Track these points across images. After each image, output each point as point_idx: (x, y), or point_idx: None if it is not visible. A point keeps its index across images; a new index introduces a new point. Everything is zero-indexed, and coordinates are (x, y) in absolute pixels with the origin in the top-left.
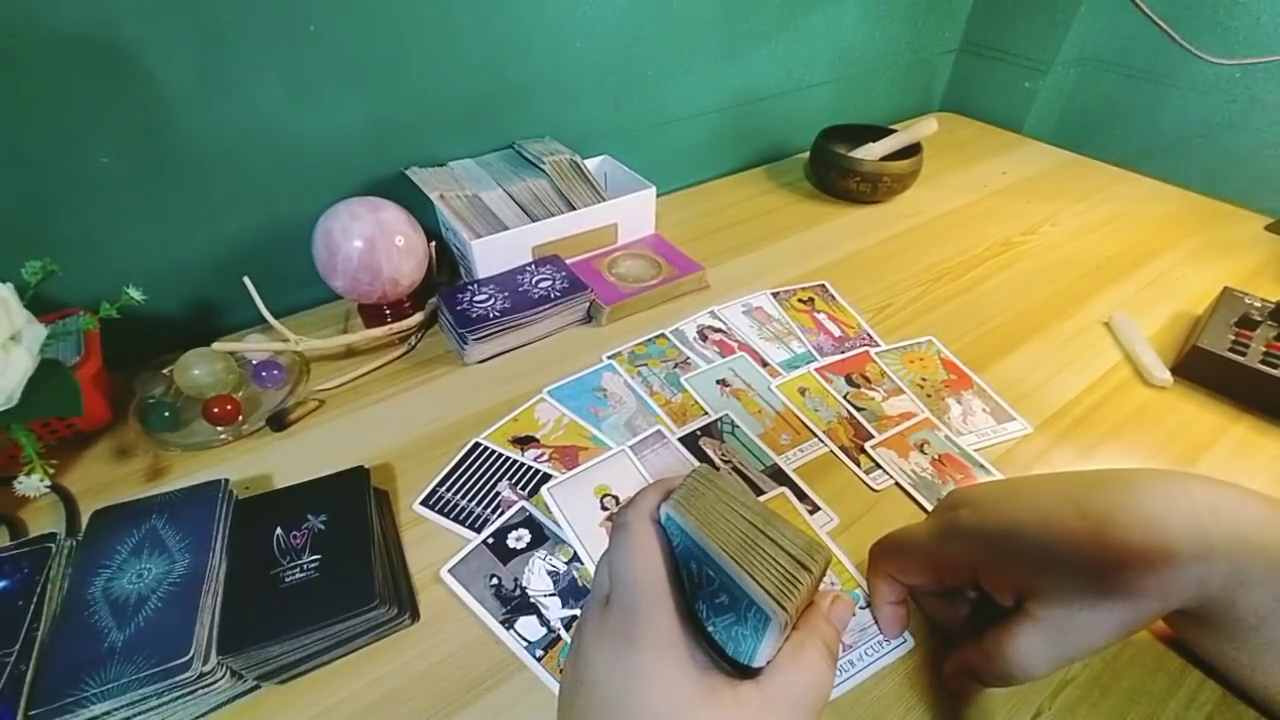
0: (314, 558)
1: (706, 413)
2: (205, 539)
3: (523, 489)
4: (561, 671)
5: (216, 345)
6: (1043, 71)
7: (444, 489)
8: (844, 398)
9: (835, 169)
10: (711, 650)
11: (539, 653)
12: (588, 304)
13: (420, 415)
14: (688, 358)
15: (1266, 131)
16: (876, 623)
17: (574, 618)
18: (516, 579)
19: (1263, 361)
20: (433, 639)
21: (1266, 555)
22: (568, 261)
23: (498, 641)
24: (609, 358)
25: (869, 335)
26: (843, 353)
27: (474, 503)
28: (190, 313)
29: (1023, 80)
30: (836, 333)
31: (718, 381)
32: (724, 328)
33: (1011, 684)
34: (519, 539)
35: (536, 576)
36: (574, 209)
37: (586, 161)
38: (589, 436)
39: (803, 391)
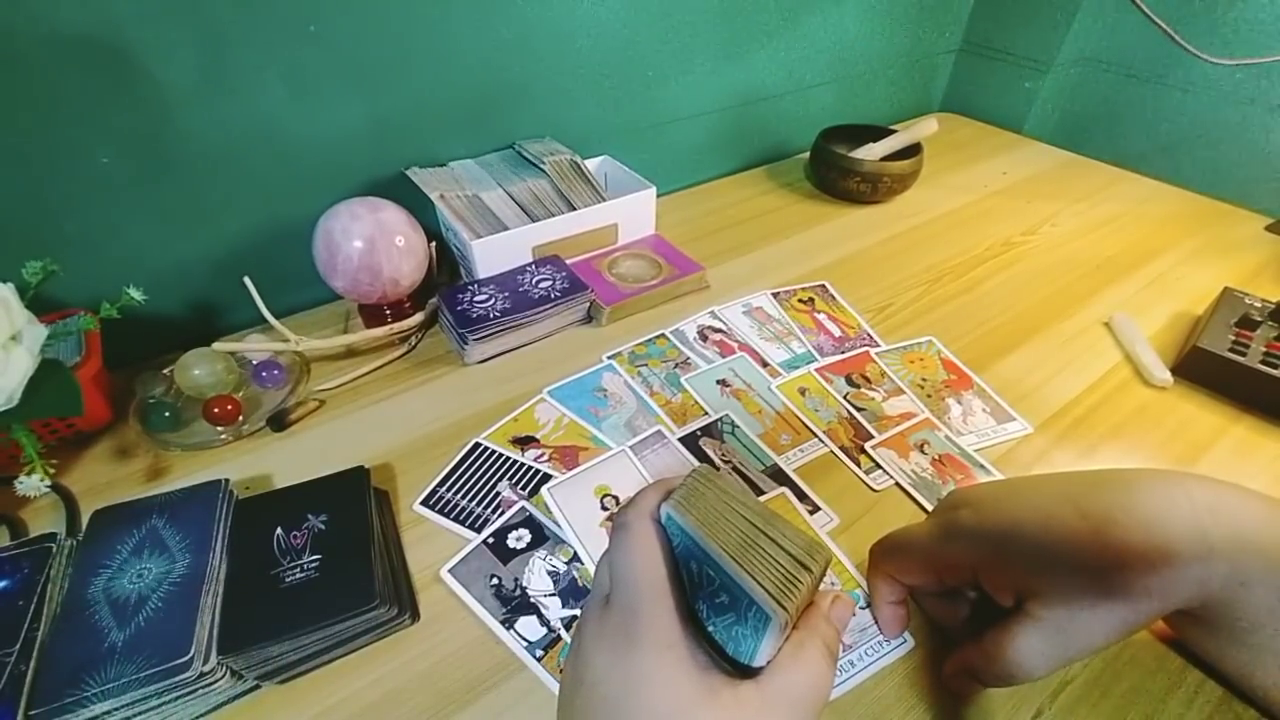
0: (314, 558)
1: (707, 413)
2: (205, 539)
3: (523, 489)
4: (561, 671)
5: (217, 345)
6: (1043, 72)
7: (444, 489)
8: (844, 398)
9: (835, 169)
10: (712, 650)
11: (539, 653)
12: (588, 304)
13: (420, 415)
14: (688, 358)
15: (1267, 131)
16: (876, 623)
17: (574, 618)
18: (517, 579)
19: (1263, 362)
20: (433, 639)
21: (1266, 555)
22: (568, 262)
23: (498, 641)
24: (609, 358)
25: (869, 335)
26: (843, 353)
27: (474, 503)
28: (190, 313)
29: (1023, 80)
30: (837, 333)
31: (718, 382)
32: (724, 328)
33: (1012, 684)
34: (519, 539)
35: (537, 576)
36: (574, 209)
37: (587, 162)
38: (589, 437)
39: (803, 392)
